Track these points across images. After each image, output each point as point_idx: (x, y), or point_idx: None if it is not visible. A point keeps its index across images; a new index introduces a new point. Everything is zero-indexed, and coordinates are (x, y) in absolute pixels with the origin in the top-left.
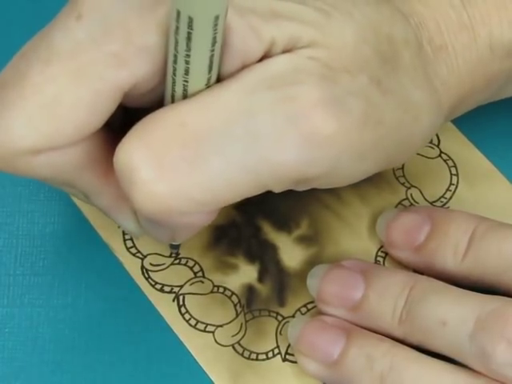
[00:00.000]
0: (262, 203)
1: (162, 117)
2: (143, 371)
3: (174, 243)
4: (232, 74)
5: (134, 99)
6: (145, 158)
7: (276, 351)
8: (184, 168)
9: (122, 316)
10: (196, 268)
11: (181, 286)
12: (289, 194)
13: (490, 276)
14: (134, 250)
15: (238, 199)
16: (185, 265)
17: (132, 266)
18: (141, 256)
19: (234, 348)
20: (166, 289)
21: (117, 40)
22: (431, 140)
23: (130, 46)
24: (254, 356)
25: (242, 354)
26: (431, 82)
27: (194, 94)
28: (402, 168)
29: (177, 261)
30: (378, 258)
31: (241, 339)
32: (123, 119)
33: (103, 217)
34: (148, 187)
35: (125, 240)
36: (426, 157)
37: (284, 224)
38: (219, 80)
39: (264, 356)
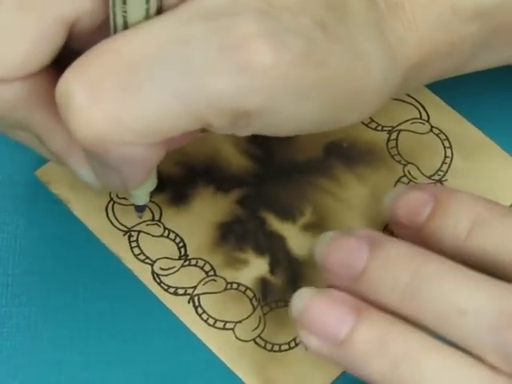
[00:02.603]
0: (262, 195)
1: (100, 47)
2: (143, 371)
3: (137, 203)
4: (172, 8)
5: (82, 39)
6: (81, 85)
7: (298, 340)
8: (118, 95)
9: (120, 316)
10: (207, 267)
11: (194, 287)
12: (288, 183)
13: (492, 257)
14: (142, 257)
15: (176, 132)
16: (195, 265)
17: (142, 272)
18: (150, 262)
19: (255, 342)
20: (180, 291)
21: None
22: (420, 115)
23: None
24: (276, 348)
25: (264, 347)
26: (385, 37)
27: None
28: (396, 146)
29: (187, 262)
30: None
31: (261, 332)
32: None
33: (109, 227)
34: (82, 114)
35: (132, 247)
36: (418, 133)
37: (288, 214)
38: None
39: (286, 346)
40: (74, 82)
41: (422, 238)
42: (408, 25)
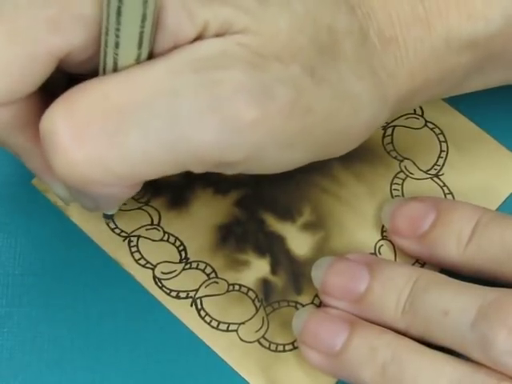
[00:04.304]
0: (260, 196)
1: (88, 87)
2: (145, 375)
3: (106, 213)
4: (163, 54)
5: (73, 67)
6: (66, 125)
7: None
8: (103, 139)
9: (120, 316)
10: (208, 270)
11: (196, 290)
12: (285, 183)
13: (492, 265)
14: (143, 262)
15: (158, 176)
16: (196, 268)
17: (144, 277)
18: (151, 266)
19: (259, 343)
20: (182, 295)
21: (54, 6)
22: (415, 111)
23: (66, 13)
24: (280, 348)
25: (268, 348)
26: (376, 74)
27: (124, 69)
28: (392, 142)
29: (188, 265)
30: (385, 234)
31: (265, 333)
32: (68, 86)
33: (108, 233)
34: (67, 154)
35: (132, 253)
36: (413, 128)
37: (286, 214)
38: (151, 58)
39: (291, 346)
40: (60, 121)
41: (424, 247)
42: (400, 60)
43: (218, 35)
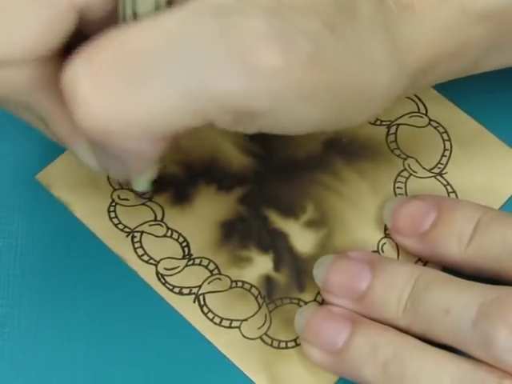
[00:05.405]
0: (263, 193)
1: (108, 37)
2: (147, 372)
3: (137, 190)
4: (181, 2)
5: (92, 25)
6: (87, 75)
7: None
8: (123, 88)
9: (123, 312)
10: (211, 266)
11: (199, 286)
12: (289, 180)
13: (494, 264)
14: (146, 258)
15: (179, 127)
16: (199, 264)
17: (147, 273)
18: (154, 262)
19: (262, 340)
20: (185, 291)
21: None
22: (418, 109)
23: None
24: (283, 345)
25: (271, 345)
26: (393, 40)
27: (143, 18)
28: (396, 140)
29: (191, 262)
30: (388, 232)
31: (267, 330)
32: None
33: (111, 229)
34: (87, 104)
35: (135, 249)
36: (417, 126)
37: (289, 211)
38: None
39: (293, 343)
40: (81, 71)
41: (425, 246)
42: (417, 27)
43: None
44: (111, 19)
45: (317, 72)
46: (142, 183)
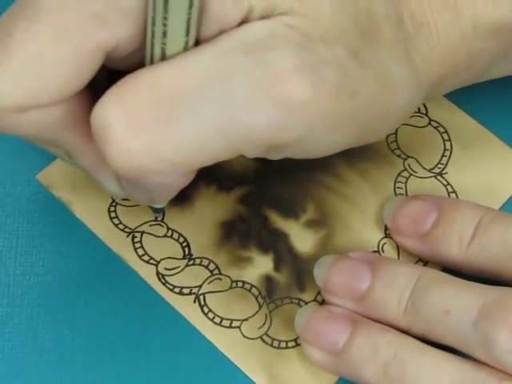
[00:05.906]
0: (263, 193)
1: (138, 77)
2: (148, 371)
3: (156, 206)
4: (210, 39)
5: (116, 61)
6: (119, 116)
7: None
8: (157, 127)
9: (123, 312)
10: (211, 266)
11: (199, 286)
12: (289, 180)
13: (494, 264)
14: (146, 258)
15: (211, 162)
16: (200, 264)
17: (147, 273)
18: (154, 262)
19: (262, 340)
20: (185, 291)
21: (100, 0)
22: (419, 109)
23: (112, 6)
24: (283, 345)
25: (271, 345)
26: (411, 59)
27: (172, 57)
28: (396, 140)
29: (191, 262)
30: (388, 232)
31: (268, 330)
32: (108, 83)
33: (112, 229)
34: (120, 145)
35: (135, 249)
36: (417, 126)
37: (290, 211)
38: (197, 45)
39: (293, 343)
40: (112, 111)
41: (426, 246)
42: (432, 45)
43: (263, 18)
44: (137, 55)
45: (343, 99)
46: (162, 203)
